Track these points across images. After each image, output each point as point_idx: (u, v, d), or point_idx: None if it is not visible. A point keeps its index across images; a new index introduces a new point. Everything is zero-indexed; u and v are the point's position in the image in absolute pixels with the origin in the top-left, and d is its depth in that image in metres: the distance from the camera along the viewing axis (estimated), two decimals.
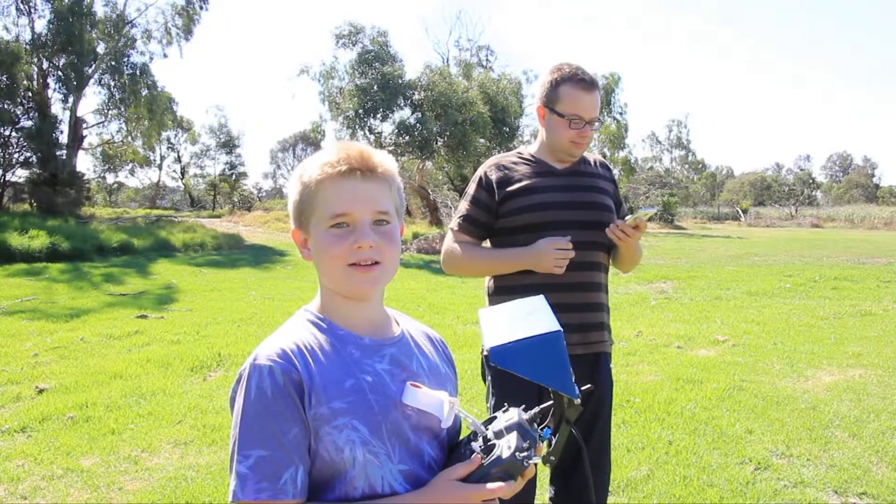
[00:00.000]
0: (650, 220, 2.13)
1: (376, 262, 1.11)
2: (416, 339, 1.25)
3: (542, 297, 1.22)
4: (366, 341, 1.15)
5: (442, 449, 1.19)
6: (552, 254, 2.04)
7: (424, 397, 1.10)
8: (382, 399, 1.10)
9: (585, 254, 2.12)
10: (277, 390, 1.03)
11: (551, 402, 1.15)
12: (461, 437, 1.22)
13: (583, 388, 1.14)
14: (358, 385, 1.09)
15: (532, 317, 1.17)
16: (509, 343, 1.10)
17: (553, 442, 1.16)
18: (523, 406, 1.14)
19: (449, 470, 1.10)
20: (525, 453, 1.05)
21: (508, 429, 1.09)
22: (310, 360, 1.08)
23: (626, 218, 2.08)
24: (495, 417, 1.14)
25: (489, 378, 2.14)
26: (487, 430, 1.11)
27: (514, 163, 2.22)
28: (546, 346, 1.09)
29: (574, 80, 2.12)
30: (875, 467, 3.60)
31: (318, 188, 1.11)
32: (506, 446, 1.06)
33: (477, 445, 1.10)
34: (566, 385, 1.10)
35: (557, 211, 2.12)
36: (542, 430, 1.13)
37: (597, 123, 2.20)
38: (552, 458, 1.13)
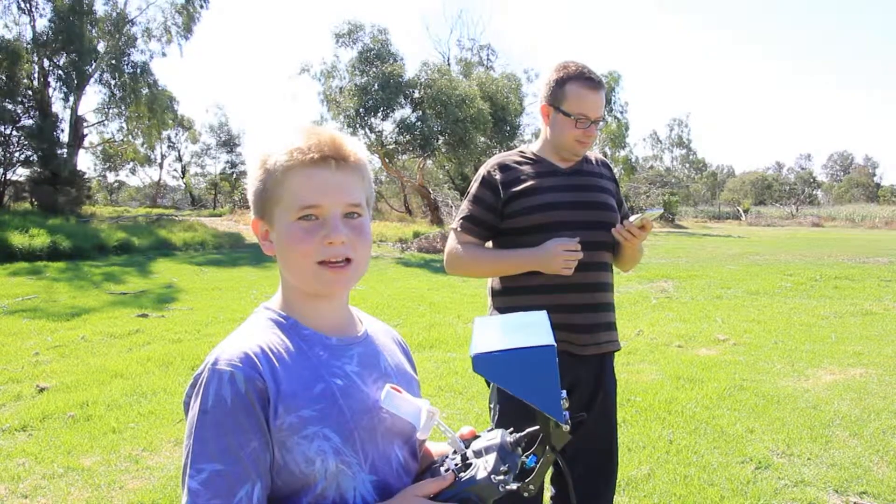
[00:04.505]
0: (655, 220, 2.11)
1: (348, 260, 1.03)
2: (380, 337, 1.19)
3: (544, 312, 1.15)
4: (332, 341, 1.08)
5: (413, 454, 1.13)
6: (561, 255, 2.01)
7: (404, 403, 1.03)
8: (354, 403, 1.04)
9: (593, 254, 2.10)
10: (238, 399, 0.95)
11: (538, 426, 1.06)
12: (439, 456, 1.16)
13: (575, 416, 1.06)
14: (328, 390, 1.02)
15: (528, 329, 1.08)
16: (495, 351, 1.01)
17: (535, 469, 1.07)
18: (511, 429, 1.07)
19: (418, 485, 1.03)
20: (502, 477, 0.98)
21: (488, 449, 1.02)
22: (276, 364, 0.99)
23: (633, 218, 2.07)
24: (478, 436, 1.08)
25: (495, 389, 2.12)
26: (467, 448, 1.05)
27: (518, 162, 2.19)
28: (535, 360, 1.00)
29: (581, 78, 2.10)
30: (876, 466, 3.60)
31: (286, 176, 1.01)
32: (482, 467, 1.00)
33: (453, 462, 1.04)
34: (553, 406, 1.01)
35: (564, 211, 2.10)
36: (526, 456, 1.05)
37: (601, 123, 2.19)
38: (531, 486, 1.04)
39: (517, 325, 1.12)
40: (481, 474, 0.99)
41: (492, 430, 1.08)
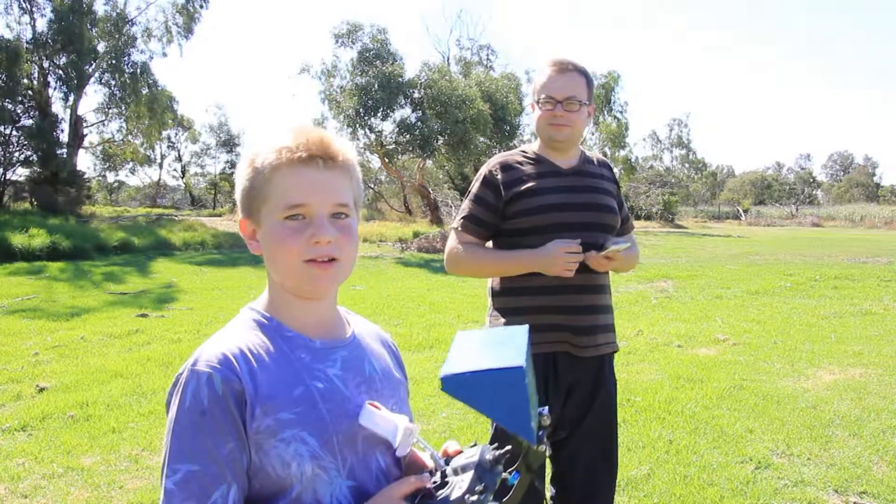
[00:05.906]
0: (622, 252, 2.10)
1: (333, 259, 1.03)
2: (368, 341, 1.17)
3: (526, 327, 1.12)
4: (316, 344, 1.07)
5: (396, 461, 1.12)
6: (563, 257, 2.01)
7: (382, 421, 1.02)
8: (335, 407, 1.03)
9: None
10: (215, 400, 0.95)
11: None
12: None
13: (553, 435, 1.04)
14: (308, 393, 1.01)
15: (502, 347, 1.06)
16: (462, 373, 0.99)
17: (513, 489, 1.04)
18: (496, 444, 1.05)
19: (395, 485, 1.02)
20: (476, 497, 0.96)
21: (466, 467, 1.00)
22: (255, 366, 0.99)
23: (609, 244, 2.07)
24: (461, 452, 1.07)
25: None
26: (447, 464, 1.04)
27: (520, 162, 2.19)
28: (502, 382, 0.98)
29: (548, 65, 2.14)
30: (875, 466, 3.60)
31: (273, 175, 1.01)
32: (458, 485, 0.98)
33: (431, 480, 1.03)
34: (522, 427, 0.99)
35: (565, 213, 2.10)
36: (509, 473, 1.02)
37: (582, 107, 2.13)
38: None
39: (493, 342, 1.10)
40: (455, 494, 0.97)
41: (474, 445, 1.06)
